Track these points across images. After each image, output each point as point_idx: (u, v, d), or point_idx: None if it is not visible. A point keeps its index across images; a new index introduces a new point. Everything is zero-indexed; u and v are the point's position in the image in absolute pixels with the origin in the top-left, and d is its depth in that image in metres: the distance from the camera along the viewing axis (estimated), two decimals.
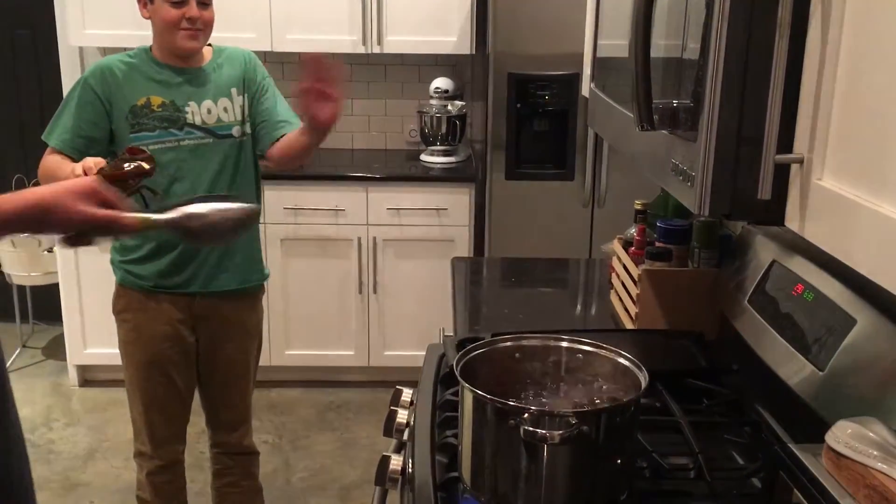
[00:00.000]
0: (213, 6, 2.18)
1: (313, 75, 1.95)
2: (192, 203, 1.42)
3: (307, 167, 2.49)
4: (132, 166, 1.87)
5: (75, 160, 2.02)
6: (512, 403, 1.12)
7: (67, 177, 1.87)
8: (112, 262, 2.29)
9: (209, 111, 2.19)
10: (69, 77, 3.59)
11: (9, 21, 4.01)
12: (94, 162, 1.87)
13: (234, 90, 2.23)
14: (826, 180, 0.90)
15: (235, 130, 2.23)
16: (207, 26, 2.17)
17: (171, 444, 2.36)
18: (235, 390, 2.41)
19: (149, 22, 2.17)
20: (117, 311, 2.31)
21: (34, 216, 1.27)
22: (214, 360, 2.35)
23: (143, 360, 2.28)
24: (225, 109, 2.21)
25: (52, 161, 2.10)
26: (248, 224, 1.54)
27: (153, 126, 2.14)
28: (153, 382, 2.29)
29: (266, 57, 2.38)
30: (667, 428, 1.38)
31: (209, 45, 2.27)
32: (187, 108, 2.17)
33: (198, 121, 2.18)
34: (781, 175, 0.97)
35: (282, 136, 2.23)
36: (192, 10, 2.11)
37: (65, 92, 3.66)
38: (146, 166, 1.88)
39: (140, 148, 1.97)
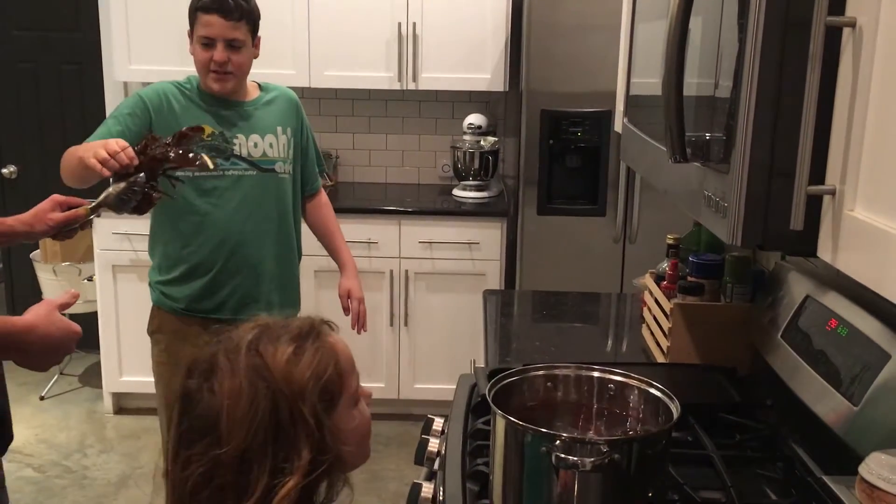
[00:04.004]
0: (248, 49, 2.19)
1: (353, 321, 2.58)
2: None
3: (341, 200, 2.56)
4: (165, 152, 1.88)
5: None
6: (544, 430, 1.13)
7: (94, 150, 1.87)
8: (150, 284, 2.33)
9: (256, 145, 2.25)
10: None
11: (57, 56, 4.15)
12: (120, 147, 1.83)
13: (279, 128, 2.29)
14: (858, 211, 0.91)
15: (278, 166, 2.28)
16: (238, 69, 2.19)
17: None
18: None
19: (192, 58, 2.24)
20: (151, 332, 2.35)
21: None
22: None
23: (172, 382, 2.31)
24: (271, 145, 2.27)
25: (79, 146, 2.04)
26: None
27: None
28: None
29: (303, 92, 2.44)
30: (699, 462, 1.38)
31: (255, 81, 2.33)
32: (235, 140, 2.23)
33: (244, 152, 2.24)
34: (813, 206, 0.98)
35: (315, 192, 2.48)
36: (219, 53, 2.14)
37: None
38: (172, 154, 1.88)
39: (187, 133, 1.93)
